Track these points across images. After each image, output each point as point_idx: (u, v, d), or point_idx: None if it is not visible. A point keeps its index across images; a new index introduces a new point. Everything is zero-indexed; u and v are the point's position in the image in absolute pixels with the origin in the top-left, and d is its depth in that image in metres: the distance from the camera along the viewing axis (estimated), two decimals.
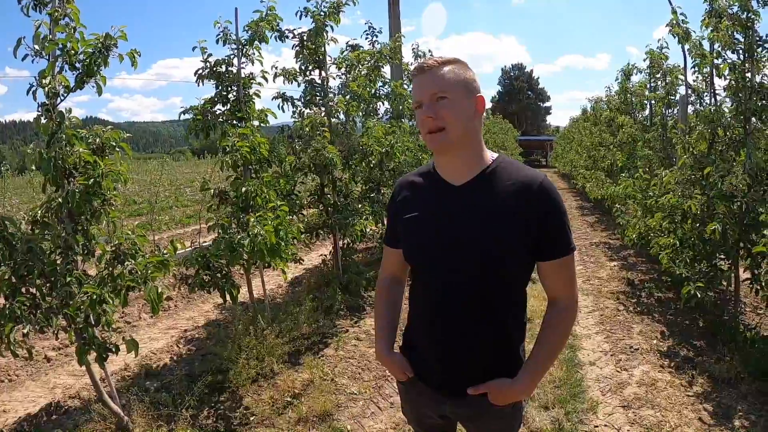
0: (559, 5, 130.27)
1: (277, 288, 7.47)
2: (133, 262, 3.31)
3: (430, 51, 10.37)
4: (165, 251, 3.48)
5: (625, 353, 4.91)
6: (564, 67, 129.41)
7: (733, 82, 4.72)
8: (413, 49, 10.23)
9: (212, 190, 4.81)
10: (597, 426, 3.72)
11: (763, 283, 4.34)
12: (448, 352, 1.71)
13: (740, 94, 4.70)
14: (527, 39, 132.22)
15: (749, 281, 4.65)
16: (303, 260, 6.04)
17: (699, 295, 4.78)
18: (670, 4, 5.92)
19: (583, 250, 9.76)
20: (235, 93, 5.14)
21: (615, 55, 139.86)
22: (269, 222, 4.34)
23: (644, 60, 8.47)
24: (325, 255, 7.59)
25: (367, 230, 6.54)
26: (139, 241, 3.41)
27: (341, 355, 4.94)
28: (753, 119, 4.78)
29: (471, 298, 1.65)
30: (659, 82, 8.54)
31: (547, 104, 68.40)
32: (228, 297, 4.33)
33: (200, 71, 5.07)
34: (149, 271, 3.33)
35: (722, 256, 5.23)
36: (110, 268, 3.28)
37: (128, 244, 3.36)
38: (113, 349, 3.35)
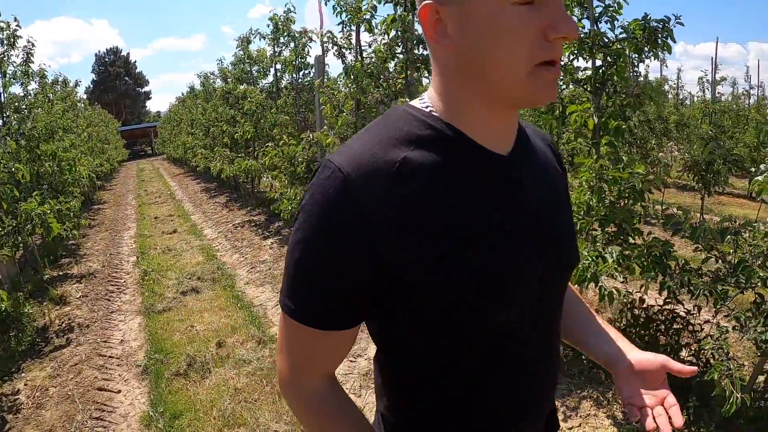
0: None
1: None
2: None
3: (16, 20, 7.80)
4: None
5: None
6: (159, 50, 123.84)
7: (399, 33, 4.62)
8: None
9: None
10: None
11: None
12: (533, 415, 1.00)
13: (407, 44, 4.62)
14: (120, 22, 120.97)
15: None
16: None
17: None
18: None
19: (229, 234, 9.00)
20: None
21: (210, 35, 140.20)
22: None
23: (267, 26, 8.13)
24: None
25: None
26: None
27: None
28: (417, 72, 4.78)
29: (558, 324, 1.02)
30: (287, 47, 8.32)
31: (146, 89, 63.66)
32: None
33: None
34: None
35: None
36: None
37: None
38: None
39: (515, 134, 0.91)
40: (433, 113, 0.87)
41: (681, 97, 15.49)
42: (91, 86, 56.47)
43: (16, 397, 4.04)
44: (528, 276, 0.87)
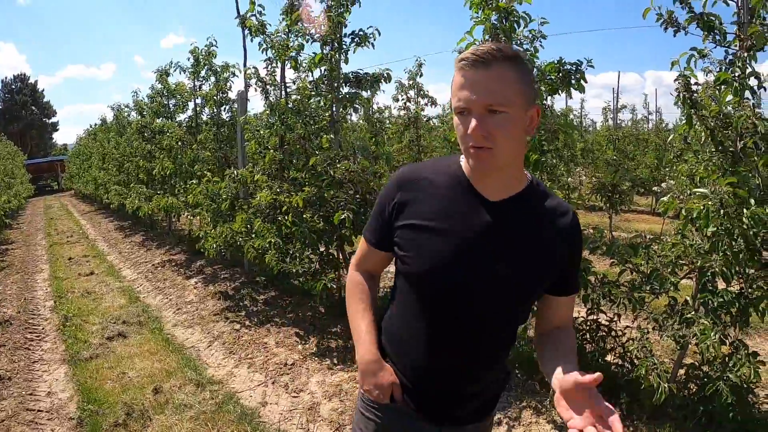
0: (62, 9, 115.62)
1: None
2: None
3: None
4: None
5: (284, 373, 4.46)
6: (66, 79, 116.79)
7: (328, 72, 4.74)
8: None
9: None
10: None
11: None
12: (454, 381, 1.49)
13: (334, 84, 4.75)
14: (28, 47, 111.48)
15: None
16: None
17: (329, 285, 4.78)
18: None
19: (150, 275, 8.66)
20: None
21: (120, 64, 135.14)
22: None
23: (188, 59, 8.04)
24: None
25: None
26: None
27: None
28: (342, 109, 4.92)
29: (490, 329, 1.46)
30: (207, 81, 8.25)
31: (53, 120, 59.21)
32: None
33: None
34: None
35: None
36: None
37: None
38: None
39: (512, 192, 1.39)
40: (461, 164, 1.43)
41: (585, 125, 16.56)
42: None
43: None
44: (461, 270, 1.37)
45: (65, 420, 4.05)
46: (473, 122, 1.26)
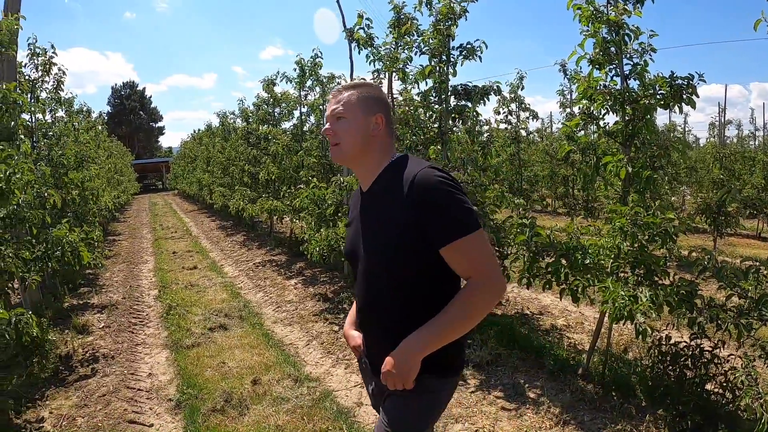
0: (166, 23, 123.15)
1: None
2: None
3: (53, 47, 7.76)
4: None
5: None
6: (171, 87, 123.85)
7: (437, 84, 4.85)
8: (30, 44, 7.54)
9: None
10: None
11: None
12: (370, 340, 1.91)
13: (442, 96, 4.84)
14: (135, 57, 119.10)
15: None
16: None
17: None
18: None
19: (251, 273, 9.08)
20: None
21: (221, 74, 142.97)
22: None
23: (294, 69, 8.41)
24: None
25: None
26: None
27: None
28: (450, 121, 4.99)
29: (380, 296, 1.80)
30: (313, 90, 8.58)
31: (160, 124, 63.75)
32: None
33: None
34: None
35: None
36: None
37: None
38: None
39: (372, 180, 1.83)
40: None
41: (688, 141, 15.79)
42: (106, 118, 56.13)
43: (41, 425, 3.97)
44: (353, 249, 1.89)
45: (164, 401, 4.30)
46: (326, 125, 1.86)
